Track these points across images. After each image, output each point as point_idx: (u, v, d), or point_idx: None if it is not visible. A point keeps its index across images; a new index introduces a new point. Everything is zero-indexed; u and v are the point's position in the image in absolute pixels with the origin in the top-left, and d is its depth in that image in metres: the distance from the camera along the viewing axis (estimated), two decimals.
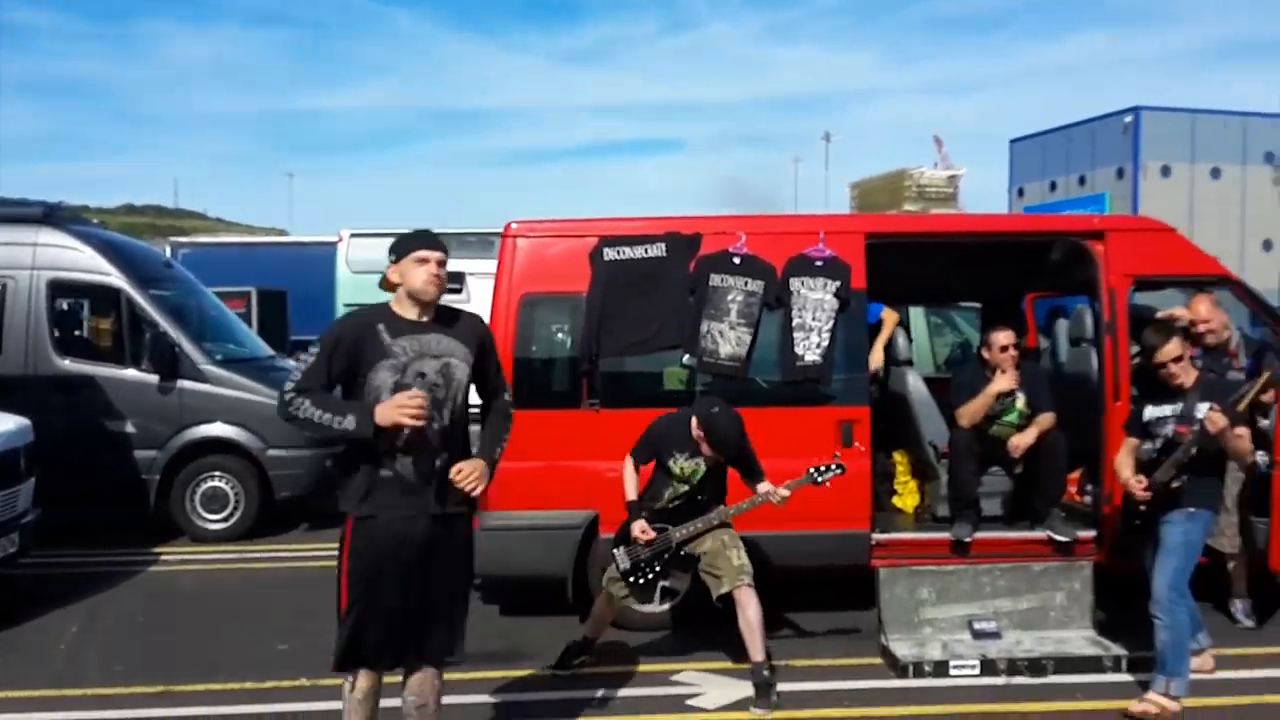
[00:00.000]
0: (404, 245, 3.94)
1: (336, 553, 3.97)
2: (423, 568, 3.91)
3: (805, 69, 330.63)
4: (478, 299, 10.87)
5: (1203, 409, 5.09)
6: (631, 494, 5.53)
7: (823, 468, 5.54)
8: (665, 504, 5.54)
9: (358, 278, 23.45)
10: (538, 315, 6.68)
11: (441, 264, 3.90)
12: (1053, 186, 63.40)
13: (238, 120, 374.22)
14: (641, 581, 5.49)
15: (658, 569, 5.49)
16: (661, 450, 5.53)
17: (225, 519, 9.32)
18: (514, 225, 6.64)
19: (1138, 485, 5.19)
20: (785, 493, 5.41)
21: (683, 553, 5.52)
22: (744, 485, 5.57)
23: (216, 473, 9.32)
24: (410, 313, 3.92)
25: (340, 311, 23.50)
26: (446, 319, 3.99)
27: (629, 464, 5.59)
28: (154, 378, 9.26)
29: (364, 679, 3.99)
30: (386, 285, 3.96)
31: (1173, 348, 5.26)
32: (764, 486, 5.45)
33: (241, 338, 11.11)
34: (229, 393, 9.36)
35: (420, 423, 3.74)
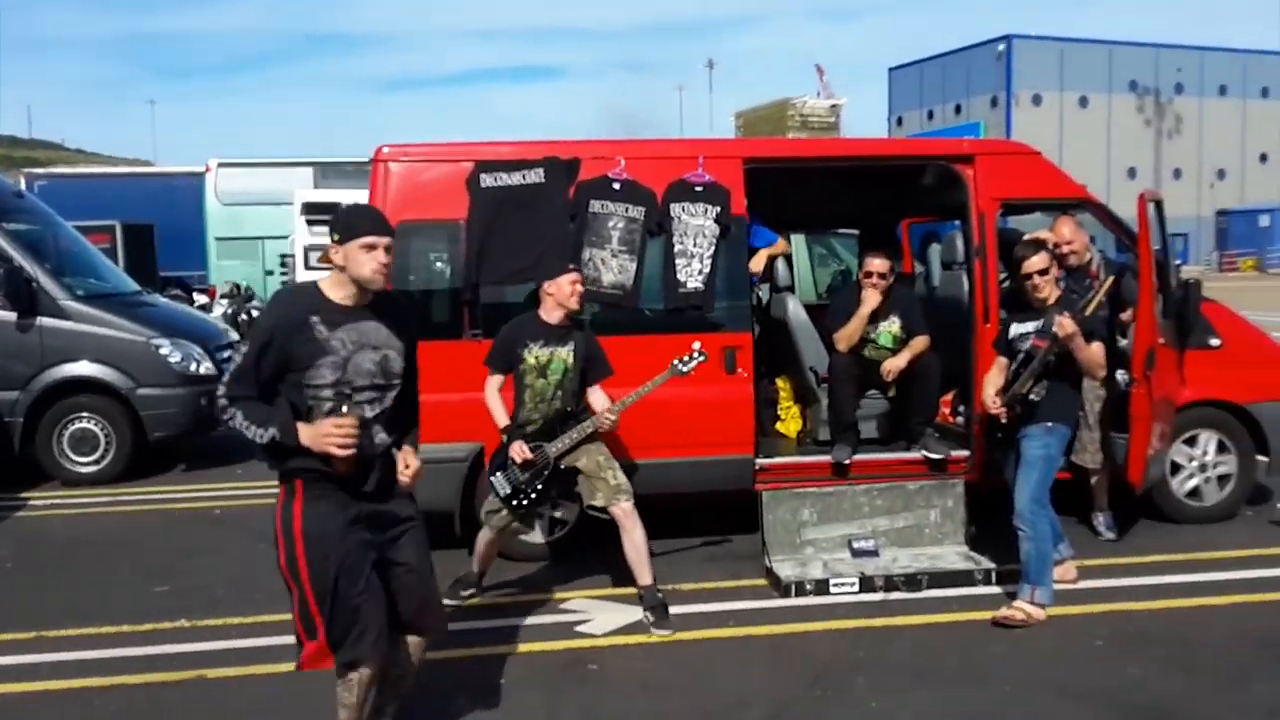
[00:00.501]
0: (348, 227, 3.55)
1: (275, 529, 3.59)
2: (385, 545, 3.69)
3: None
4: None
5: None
6: (501, 418, 5.50)
7: (685, 358, 5.56)
8: (533, 420, 5.51)
9: (228, 210, 22.87)
10: (414, 244, 6.55)
11: (389, 249, 3.55)
12: (930, 115, 64.63)
13: (94, 43, 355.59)
14: (524, 504, 5.46)
15: (539, 488, 5.45)
16: (515, 345, 5.49)
17: (96, 461, 9.00)
18: (386, 149, 6.47)
19: (993, 403, 5.43)
20: (651, 386, 5.46)
21: (562, 466, 5.50)
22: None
23: (85, 414, 8.98)
24: (347, 297, 3.56)
25: (212, 246, 23.01)
26: (382, 304, 3.66)
27: (490, 386, 5.56)
28: (11, 315, 8.87)
29: (366, 672, 3.65)
30: (326, 261, 3.64)
31: (1038, 260, 5.47)
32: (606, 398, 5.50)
33: (104, 272, 10.64)
34: (94, 330, 9.00)
35: (346, 453, 3.45)
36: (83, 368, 8.94)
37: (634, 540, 5.41)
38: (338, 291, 3.58)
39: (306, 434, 3.46)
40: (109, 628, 5.48)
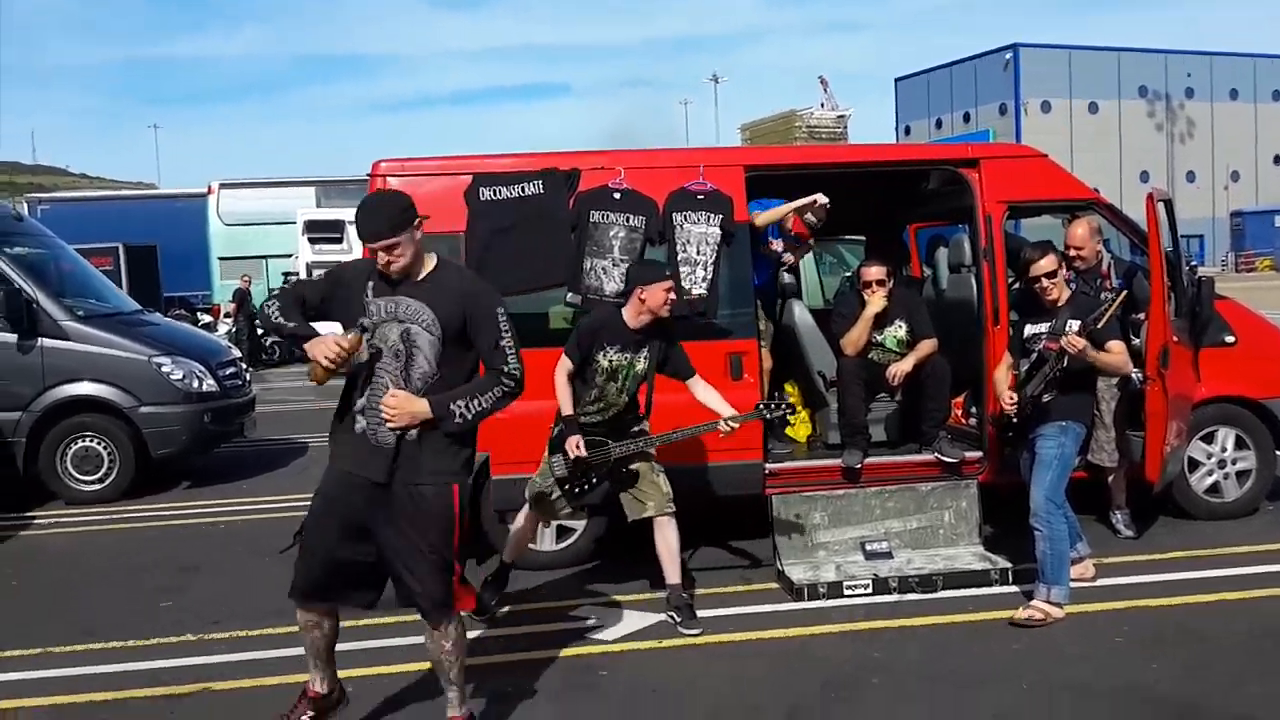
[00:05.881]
0: (357, 230, 3.97)
1: None
2: (370, 520, 3.81)
3: (689, 9, 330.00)
4: (360, 248, 10.60)
5: (1074, 325, 5.25)
6: (567, 407, 5.40)
7: (771, 405, 5.58)
8: (593, 418, 5.44)
9: (231, 230, 22.93)
10: None
11: (390, 249, 3.75)
12: (938, 124, 64.65)
13: (97, 70, 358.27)
14: (577, 490, 5.39)
15: (594, 481, 5.39)
16: (595, 344, 5.39)
17: (100, 480, 8.95)
18: (384, 164, 6.45)
19: (1009, 400, 5.40)
20: (735, 425, 5.41)
21: (624, 470, 5.45)
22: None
23: (88, 433, 8.93)
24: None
25: (215, 266, 23.06)
26: (438, 281, 3.87)
27: (562, 372, 5.43)
28: (11, 336, 8.84)
29: (299, 613, 3.97)
30: None
31: (1046, 263, 5.41)
32: (721, 408, 5.48)
33: (105, 293, 10.62)
34: (94, 349, 8.98)
35: (328, 364, 3.67)
36: (84, 387, 8.91)
37: (668, 539, 5.39)
38: None
39: (313, 341, 3.75)
40: (115, 643, 5.41)
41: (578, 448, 5.29)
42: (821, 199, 6.83)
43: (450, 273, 3.94)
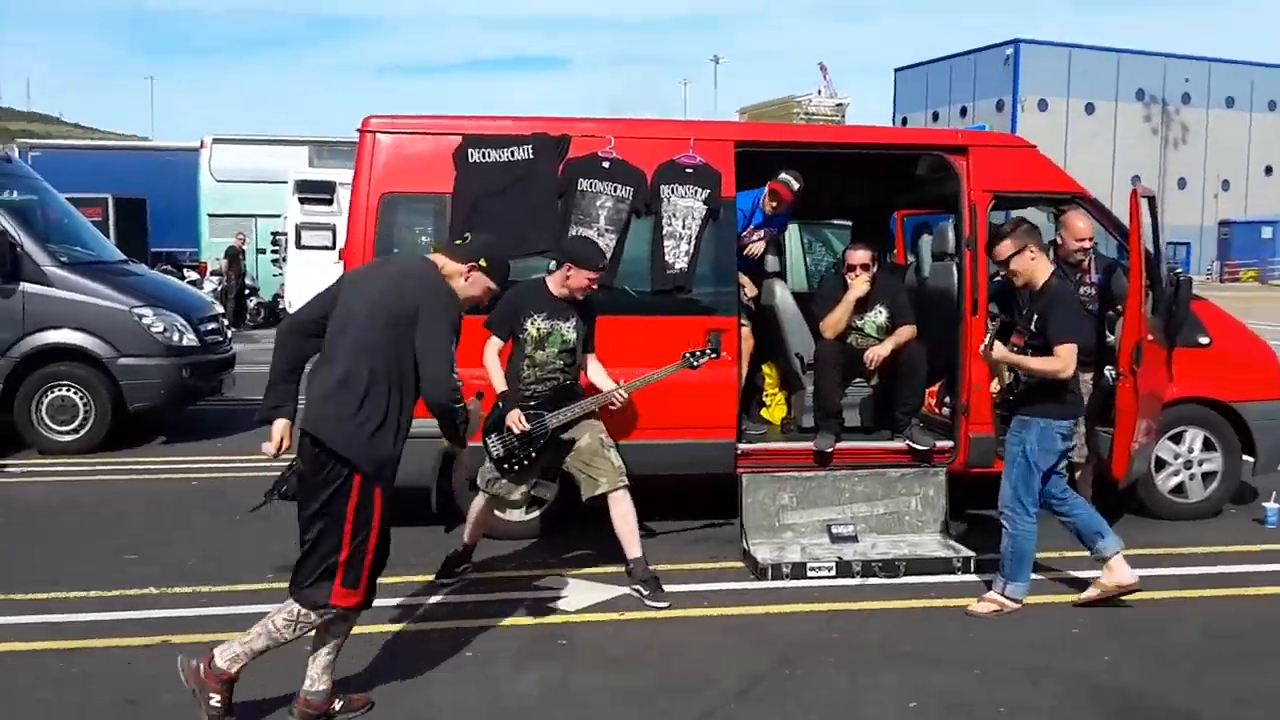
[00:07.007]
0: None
1: None
2: None
3: None
4: (346, 209, 10.53)
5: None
6: (499, 383, 5.43)
7: (697, 352, 5.57)
8: (531, 390, 5.45)
9: (222, 186, 22.74)
10: (399, 216, 6.47)
11: None
12: (935, 117, 64.44)
13: (94, 18, 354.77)
14: (516, 468, 5.39)
15: (533, 455, 5.39)
16: (519, 314, 5.43)
17: (74, 430, 8.91)
18: (373, 120, 6.40)
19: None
20: (659, 375, 5.41)
21: (561, 437, 5.45)
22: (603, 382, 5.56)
23: (64, 382, 8.88)
24: None
25: (204, 223, 22.89)
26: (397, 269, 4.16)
27: (490, 349, 5.48)
28: None
29: None
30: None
31: (1004, 247, 5.22)
32: (605, 381, 5.52)
33: (90, 241, 10.51)
34: (77, 297, 8.91)
35: None
36: (64, 335, 8.85)
37: (623, 513, 5.38)
38: None
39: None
40: (77, 593, 5.42)
41: (520, 421, 5.30)
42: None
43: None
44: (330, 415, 3.77)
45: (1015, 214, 6.73)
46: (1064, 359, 5.03)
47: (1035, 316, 5.17)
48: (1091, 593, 5.30)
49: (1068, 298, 5.34)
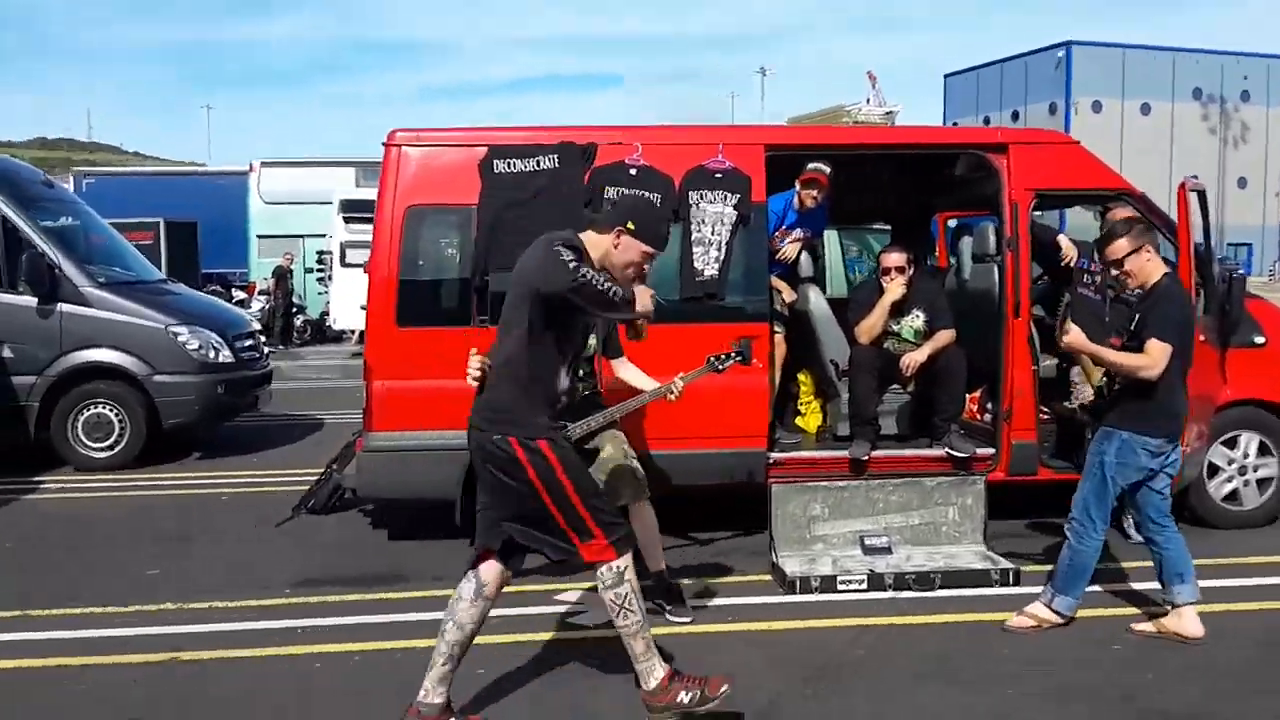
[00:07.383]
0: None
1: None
2: None
3: (740, 4, 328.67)
4: None
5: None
6: None
7: (722, 355, 5.31)
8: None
9: (271, 209, 23.05)
10: (424, 229, 6.43)
11: None
12: (986, 122, 63.58)
13: (153, 51, 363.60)
14: None
15: None
16: None
17: (110, 447, 8.94)
18: (399, 134, 6.34)
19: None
20: (681, 384, 5.20)
21: (584, 447, 5.29)
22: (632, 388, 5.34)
23: (100, 399, 8.93)
24: None
25: (253, 244, 23.19)
26: None
27: None
28: (32, 300, 8.84)
29: None
30: None
31: (1119, 246, 4.82)
32: (645, 383, 5.17)
33: (130, 261, 10.59)
34: (113, 316, 8.97)
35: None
36: (101, 354, 8.90)
37: (646, 524, 5.15)
38: None
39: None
40: (94, 608, 5.38)
41: None
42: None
43: None
44: None
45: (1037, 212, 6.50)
46: (1153, 356, 4.64)
47: (1137, 317, 4.85)
48: (1147, 627, 4.94)
49: (1176, 297, 4.86)
